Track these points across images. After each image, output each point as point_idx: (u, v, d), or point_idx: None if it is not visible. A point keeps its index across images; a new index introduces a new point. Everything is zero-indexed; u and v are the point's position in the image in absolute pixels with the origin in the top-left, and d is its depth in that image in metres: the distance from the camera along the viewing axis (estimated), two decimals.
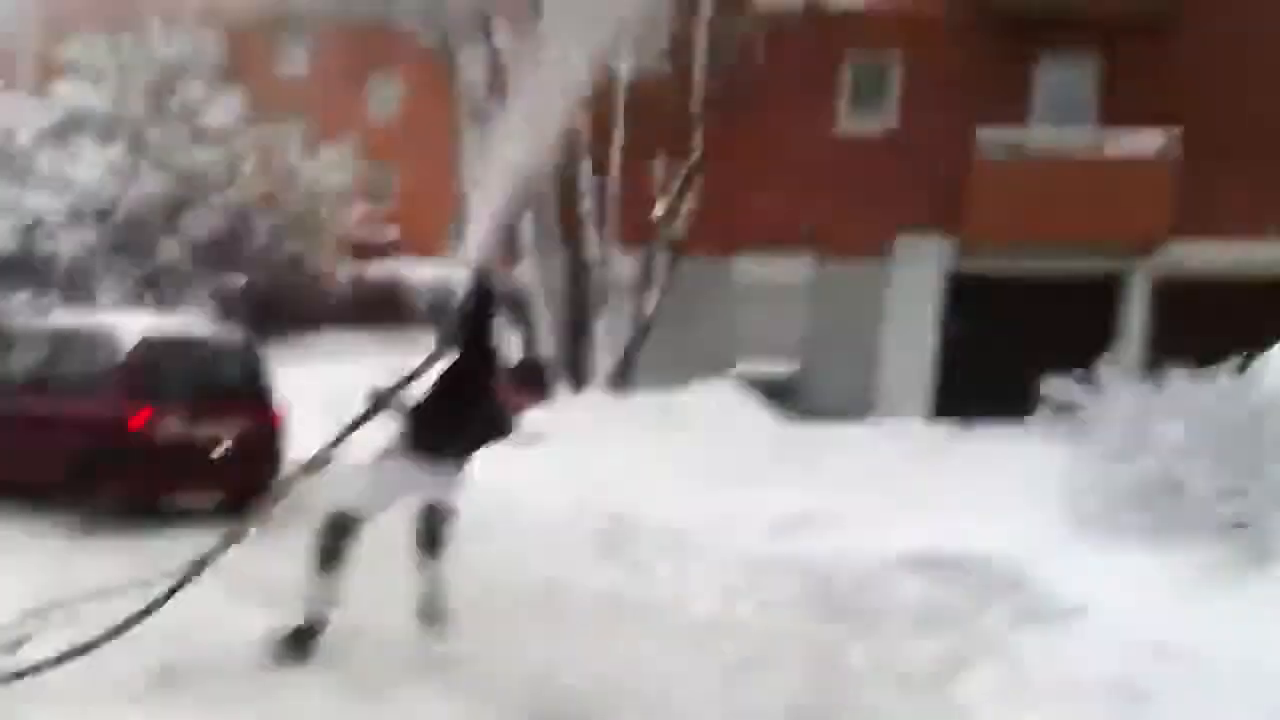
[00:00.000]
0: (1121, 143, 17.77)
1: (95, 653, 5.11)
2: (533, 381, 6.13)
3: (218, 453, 9.02)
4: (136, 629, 5.20)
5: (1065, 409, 9.20)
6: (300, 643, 5.69)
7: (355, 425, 5.73)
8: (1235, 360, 8.47)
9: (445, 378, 5.90)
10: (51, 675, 5.02)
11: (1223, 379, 8.20)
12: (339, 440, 5.69)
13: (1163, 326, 17.48)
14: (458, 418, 5.82)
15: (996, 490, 9.99)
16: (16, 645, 5.46)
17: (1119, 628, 6.35)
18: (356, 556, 5.79)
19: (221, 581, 5.94)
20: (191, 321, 12.64)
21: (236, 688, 5.27)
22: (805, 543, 8.51)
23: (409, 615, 5.98)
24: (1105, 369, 9.17)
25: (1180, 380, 8.45)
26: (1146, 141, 17.54)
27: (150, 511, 9.41)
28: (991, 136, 17.76)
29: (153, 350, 9.71)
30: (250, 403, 10.09)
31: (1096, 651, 6.08)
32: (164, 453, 9.35)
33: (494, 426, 5.92)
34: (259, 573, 6.73)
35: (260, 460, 9.57)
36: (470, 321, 5.81)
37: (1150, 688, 5.57)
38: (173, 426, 9.44)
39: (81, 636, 5.18)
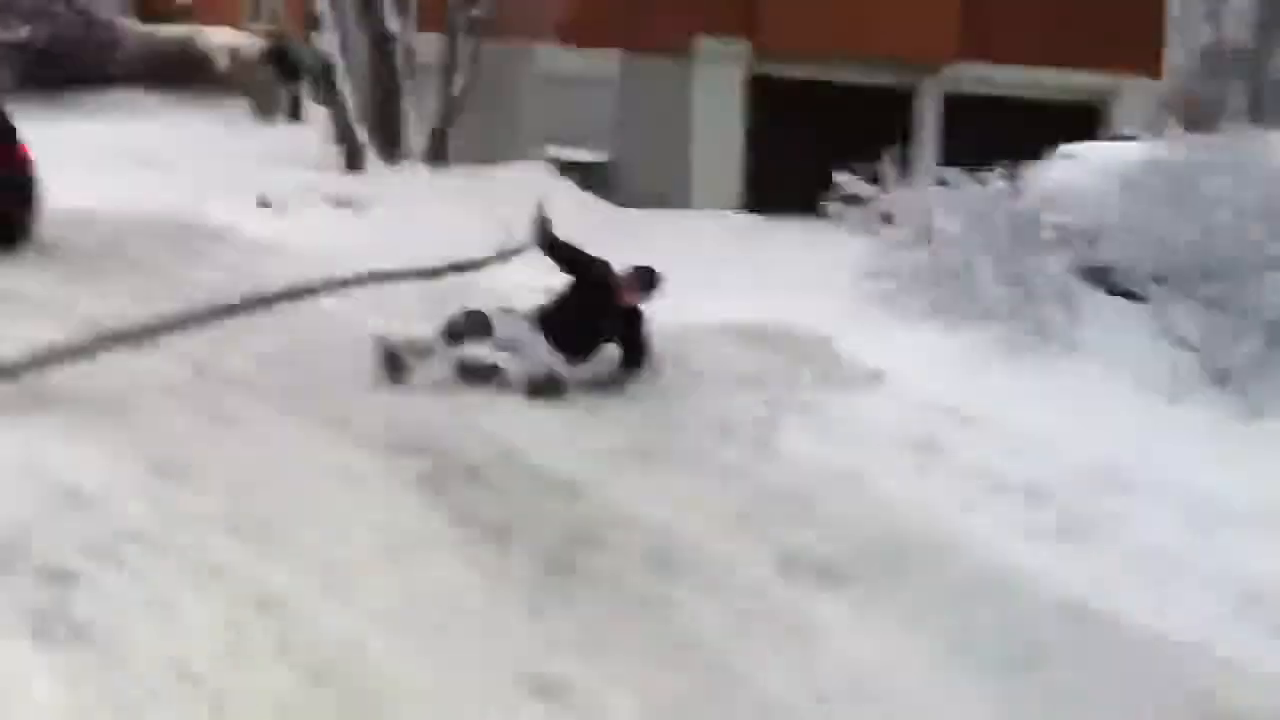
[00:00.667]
0: None
1: None
2: (646, 283, 7.50)
3: None
4: None
5: (855, 201, 10.01)
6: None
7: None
8: (1010, 168, 9.28)
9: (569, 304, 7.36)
10: None
11: (997, 182, 8.98)
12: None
13: (950, 137, 18.63)
14: (588, 338, 7.31)
15: (800, 274, 10.80)
16: None
17: (913, 391, 7.17)
18: None
19: None
20: None
21: None
22: None
23: None
24: (891, 167, 9.93)
25: (961, 181, 9.26)
26: None
27: None
28: None
29: None
30: None
31: (894, 410, 6.88)
32: None
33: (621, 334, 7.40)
34: None
35: (9, 194, 9.49)
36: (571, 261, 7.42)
37: (940, 440, 6.39)
38: None
39: None
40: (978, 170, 9.21)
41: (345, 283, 6.14)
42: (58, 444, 4.89)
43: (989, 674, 4.11)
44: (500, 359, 7.02)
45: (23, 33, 22.44)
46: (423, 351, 6.99)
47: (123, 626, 3.59)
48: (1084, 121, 18.42)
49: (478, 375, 7.00)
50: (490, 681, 3.67)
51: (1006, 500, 5.65)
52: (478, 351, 7.06)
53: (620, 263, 7.69)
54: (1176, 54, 34.66)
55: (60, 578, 3.84)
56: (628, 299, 7.44)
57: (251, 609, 3.85)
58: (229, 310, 6.70)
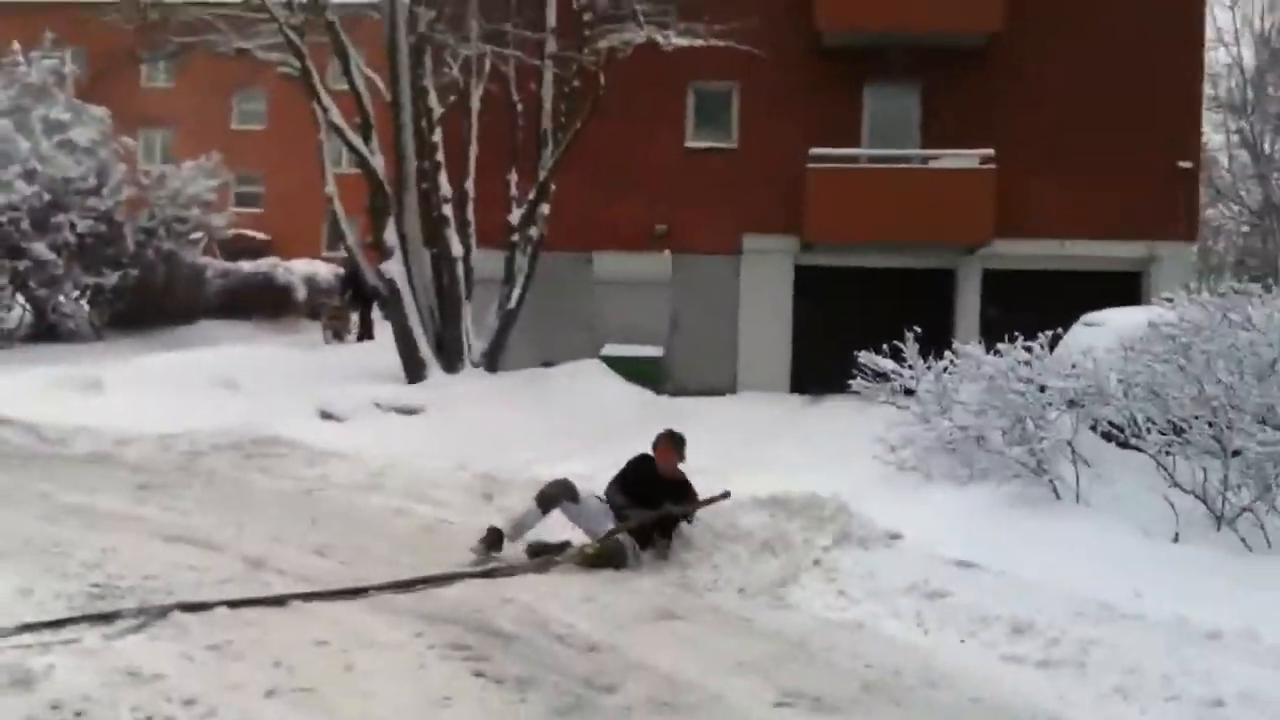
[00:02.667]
0: (943, 160, 19.62)
1: None
2: (670, 442, 8.36)
3: None
4: None
5: (881, 379, 10.57)
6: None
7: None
8: (1045, 336, 9.75)
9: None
10: None
11: (1014, 351, 9.48)
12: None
13: (994, 310, 19.28)
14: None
15: (831, 448, 11.33)
16: None
17: (926, 547, 7.58)
18: None
19: None
20: None
21: None
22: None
23: None
24: (914, 344, 10.49)
25: (977, 352, 9.78)
26: (964, 160, 19.42)
27: None
28: (822, 153, 19.33)
29: None
30: None
31: (905, 565, 7.29)
32: None
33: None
34: None
35: None
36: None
37: (948, 587, 6.78)
38: None
39: None
40: (1020, 340, 9.67)
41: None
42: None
43: None
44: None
45: (113, 278, 24.25)
46: (519, 528, 7.95)
47: None
48: (1126, 288, 19.00)
49: (548, 550, 7.90)
50: None
51: (995, 633, 6.02)
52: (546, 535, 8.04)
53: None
54: (1224, 216, 35.30)
55: None
56: (663, 468, 8.25)
57: None
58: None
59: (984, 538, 7.71)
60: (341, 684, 5.17)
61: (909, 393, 10.54)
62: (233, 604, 6.27)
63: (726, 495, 8.23)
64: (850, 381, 11.27)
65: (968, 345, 10.19)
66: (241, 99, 39.39)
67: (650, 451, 8.39)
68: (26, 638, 5.50)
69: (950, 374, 9.98)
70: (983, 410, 9.22)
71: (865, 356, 10.80)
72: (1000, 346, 9.65)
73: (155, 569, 7.09)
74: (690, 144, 20.88)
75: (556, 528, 8.30)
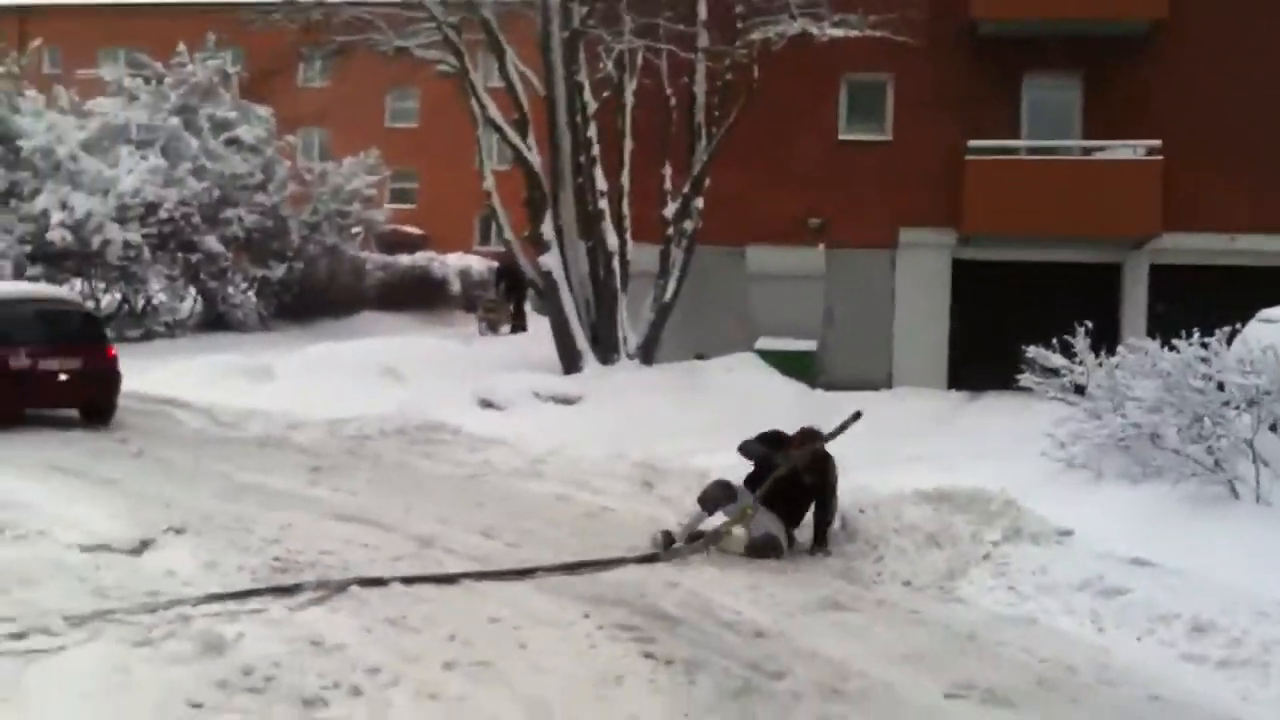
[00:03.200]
0: (1107, 151, 19.05)
1: None
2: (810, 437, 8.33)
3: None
4: None
5: (1051, 374, 10.32)
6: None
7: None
8: (1222, 332, 9.41)
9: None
10: None
11: (1189, 347, 9.16)
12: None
13: (1162, 305, 18.67)
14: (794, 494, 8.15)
15: (996, 444, 11.12)
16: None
17: (1099, 544, 7.38)
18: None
19: None
20: (38, 288, 15.54)
21: None
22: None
23: None
24: (1085, 339, 10.20)
25: (1153, 348, 9.48)
26: (1129, 151, 18.83)
27: (16, 420, 12.22)
28: (982, 144, 18.99)
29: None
30: (85, 345, 13.23)
31: (1078, 562, 7.11)
32: (18, 378, 12.43)
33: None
34: None
35: (96, 383, 13.11)
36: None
37: (1124, 584, 6.59)
38: (21, 361, 12.49)
39: None
40: (1189, 337, 9.37)
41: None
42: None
43: None
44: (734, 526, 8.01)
45: (279, 271, 25.18)
46: (688, 530, 8.01)
47: None
48: None
49: (711, 540, 7.92)
50: None
51: (1174, 631, 5.85)
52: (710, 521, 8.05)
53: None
54: None
55: (309, 702, 4.58)
56: (798, 450, 8.21)
57: None
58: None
59: (1159, 536, 7.47)
60: (516, 659, 5.27)
61: (1078, 389, 10.27)
62: (407, 580, 6.45)
63: (858, 416, 8.36)
64: (1018, 376, 11.04)
65: (1140, 341, 9.88)
66: (395, 97, 40.24)
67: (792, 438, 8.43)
68: (215, 607, 5.73)
69: (1123, 370, 9.68)
70: (1158, 407, 8.92)
71: (1035, 351, 10.54)
72: (1177, 342, 9.33)
73: (331, 546, 7.34)
74: (844, 136, 20.62)
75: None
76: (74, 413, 13.08)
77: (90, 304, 16.32)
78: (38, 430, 11.99)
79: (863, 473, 9.70)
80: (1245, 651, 5.53)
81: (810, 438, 8.33)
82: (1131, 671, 5.55)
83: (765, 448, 8.35)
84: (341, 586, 6.20)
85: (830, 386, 17.27)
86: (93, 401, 13.22)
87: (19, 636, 5.05)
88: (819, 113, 20.31)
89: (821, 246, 20.04)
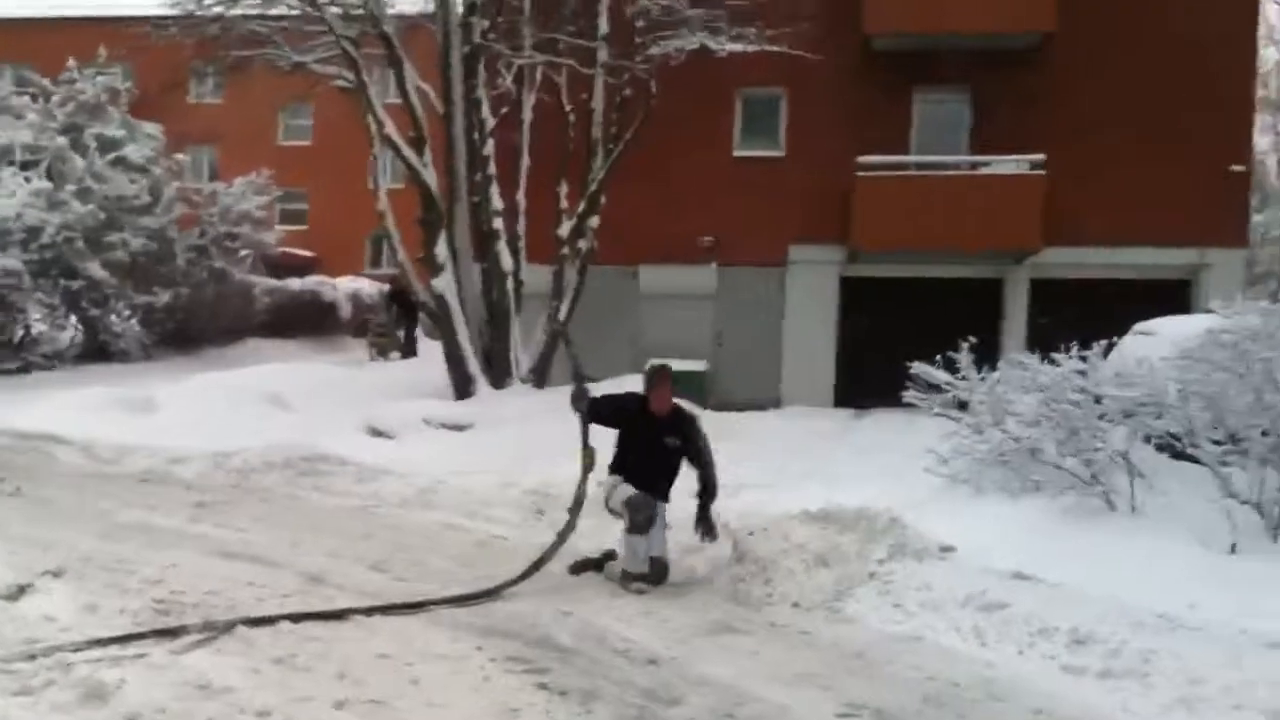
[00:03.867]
0: (993, 166, 19.49)
1: None
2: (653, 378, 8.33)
3: None
4: None
5: (934, 390, 10.52)
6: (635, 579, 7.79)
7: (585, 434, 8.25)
8: (1099, 345, 9.68)
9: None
10: None
11: (1067, 361, 9.42)
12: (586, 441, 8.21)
13: (1043, 320, 19.15)
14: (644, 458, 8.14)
15: (882, 462, 11.32)
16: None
17: (981, 558, 7.54)
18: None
19: None
20: None
21: None
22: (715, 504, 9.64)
23: None
24: (968, 355, 10.42)
25: (1033, 362, 9.73)
26: (1014, 166, 19.30)
27: None
28: (871, 160, 19.28)
29: None
30: None
31: (960, 577, 7.24)
32: None
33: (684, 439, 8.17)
34: None
35: None
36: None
37: (1005, 599, 6.75)
38: None
39: None
40: (1069, 350, 9.60)
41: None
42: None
43: None
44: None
45: (165, 297, 24.53)
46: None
47: None
48: (1175, 297, 18.84)
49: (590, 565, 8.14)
50: None
51: (1055, 644, 6.01)
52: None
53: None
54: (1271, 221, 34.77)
55: None
56: (658, 408, 8.22)
57: None
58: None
59: (1039, 550, 7.66)
60: (409, 696, 5.23)
61: (961, 405, 10.49)
62: (295, 618, 6.36)
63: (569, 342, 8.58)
64: (902, 393, 11.21)
65: (1020, 355, 10.13)
66: (289, 114, 39.72)
67: (643, 392, 8.40)
68: (96, 653, 5.59)
69: (1004, 385, 9.91)
70: (1037, 421, 9.17)
71: (918, 367, 10.73)
72: (1056, 356, 9.59)
73: (216, 585, 7.20)
74: (738, 153, 20.81)
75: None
76: None
77: None
78: None
79: (753, 493, 9.83)
80: (1124, 662, 5.70)
81: (660, 379, 8.26)
82: (1015, 685, 5.69)
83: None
84: (228, 627, 6.09)
85: (721, 407, 17.43)
86: None
87: None
88: (716, 129, 20.51)
89: (714, 265, 20.22)
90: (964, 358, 10.61)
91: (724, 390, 19.05)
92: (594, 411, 8.25)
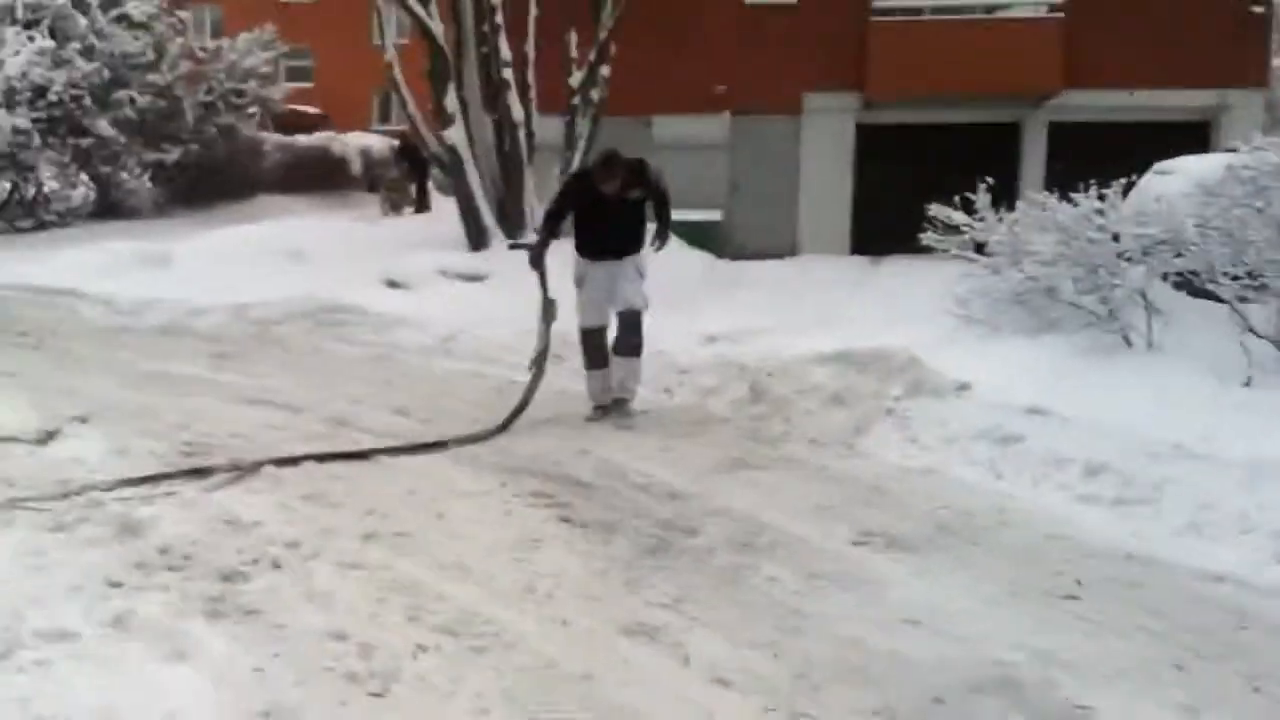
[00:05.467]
0: (1010, 9, 19.14)
1: None
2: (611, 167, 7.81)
3: None
4: None
5: (953, 231, 10.47)
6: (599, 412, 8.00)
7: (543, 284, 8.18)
8: (1116, 185, 9.58)
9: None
10: None
11: (1086, 200, 9.35)
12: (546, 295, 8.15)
13: (1059, 164, 18.95)
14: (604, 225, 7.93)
15: (899, 305, 11.34)
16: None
17: (997, 395, 7.59)
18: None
19: None
20: None
21: None
22: (732, 348, 9.67)
23: None
24: (986, 197, 10.34)
25: (1051, 202, 9.66)
26: (1031, 9, 18.92)
27: None
28: (887, 5, 18.94)
29: None
30: None
31: (977, 413, 7.33)
32: None
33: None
34: None
35: None
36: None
37: (1020, 432, 6.84)
38: None
39: None
40: (1087, 191, 9.50)
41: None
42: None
43: (1032, 605, 4.61)
44: None
45: (175, 154, 24.47)
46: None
47: (284, 607, 4.32)
48: (1194, 139, 18.58)
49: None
50: (593, 629, 4.28)
51: (1069, 475, 6.11)
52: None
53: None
54: None
55: (229, 577, 4.62)
56: (606, 190, 7.81)
57: (388, 590, 4.55)
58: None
59: (1055, 386, 7.70)
60: (435, 529, 5.35)
61: (979, 247, 10.43)
62: (320, 458, 6.46)
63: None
64: (919, 237, 11.14)
65: (1038, 195, 10.05)
66: None
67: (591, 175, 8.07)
68: (127, 492, 5.71)
69: (1022, 225, 9.85)
70: (1055, 260, 9.13)
71: (936, 208, 10.64)
72: (1075, 196, 9.52)
73: (241, 429, 7.32)
74: (751, 0, 20.44)
75: None
76: None
77: None
78: None
79: (769, 337, 9.86)
80: (1137, 491, 5.80)
81: (608, 170, 7.79)
82: (1029, 514, 5.81)
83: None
84: (255, 467, 6.20)
85: (737, 256, 17.40)
86: None
87: None
88: None
89: (727, 114, 20.00)
90: (981, 199, 10.54)
91: (740, 239, 18.99)
92: (549, 222, 8.23)
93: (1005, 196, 10.74)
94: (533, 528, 5.44)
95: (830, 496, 6.06)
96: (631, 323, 7.97)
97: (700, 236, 17.13)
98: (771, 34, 19.77)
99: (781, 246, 19.20)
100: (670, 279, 13.50)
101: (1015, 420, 7.06)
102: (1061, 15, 18.61)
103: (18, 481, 5.86)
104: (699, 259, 15.79)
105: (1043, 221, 9.61)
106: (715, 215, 18.56)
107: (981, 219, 10.34)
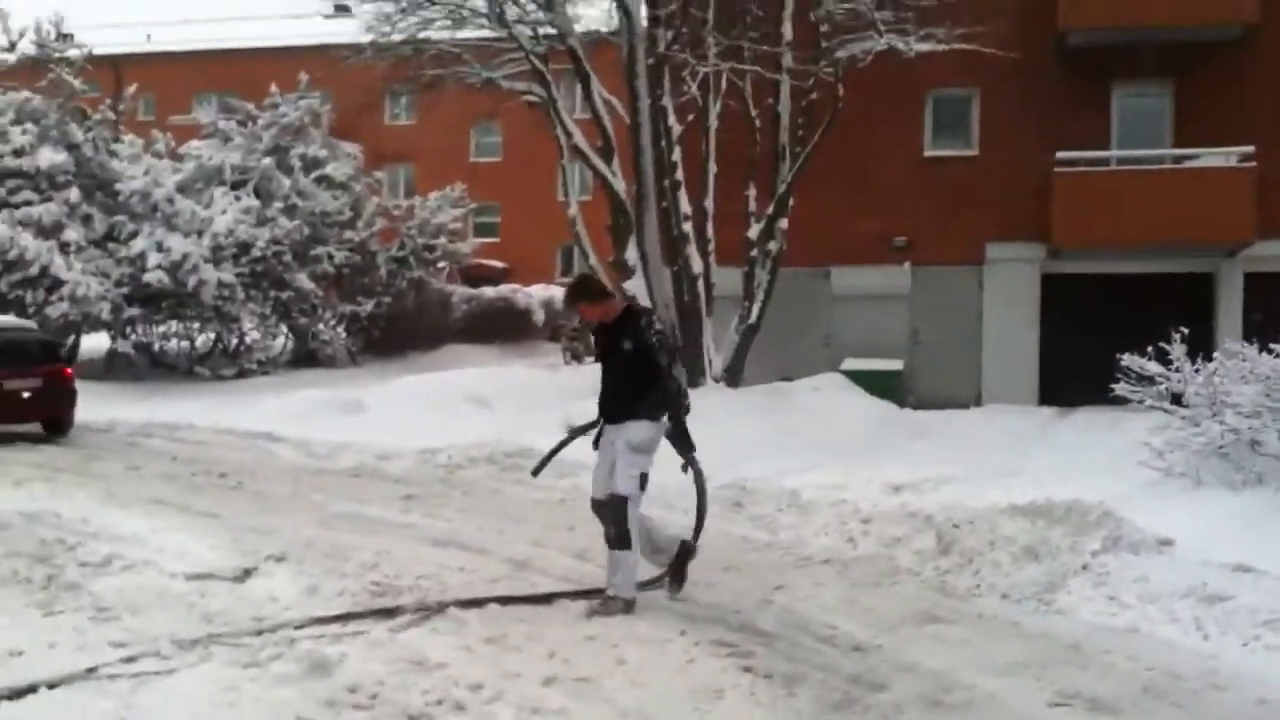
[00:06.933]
0: (1199, 159, 18.74)
1: None
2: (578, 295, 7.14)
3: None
4: None
5: (1146, 382, 10.13)
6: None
7: (561, 446, 7.63)
8: None
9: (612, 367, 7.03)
10: None
11: None
12: (556, 450, 7.63)
13: (1254, 314, 18.28)
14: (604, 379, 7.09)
15: (1091, 457, 10.97)
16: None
17: (1200, 552, 7.25)
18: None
19: None
20: (6, 320, 17.09)
21: None
22: (917, 498, 9.43)
23: None
24: (1181, 347, 10.00)
25: (1251, 352, 9.31)
26: (1221, 159, 18.49)
27: None
28: (1070, 156, 18.77)
29: None
30: (45, 367, 15.21)
31: (1180, 569, 7.00)
32: None
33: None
34: None
35: (55, 400, 15.14)
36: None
37: (1227, 590, 6.47)
38: None
39: None
40: None
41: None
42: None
43: None
44: None
45: (368, 306, 25.63)
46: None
47: None
48: None
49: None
50: None
51: None
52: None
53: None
54: None
55: (415, 718, 4.65)
56: (591, 319, 7.19)
57: None
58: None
59: (1262, 542, 7.32)
60: (615, 675, 5.30)
61: (1175, 399, 10.07)
62: (504, 600, 6.51)
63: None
64: (1112, 388, 10.80)
65: (1237, 345, 9.70)
66: (479, 132, 40.87)
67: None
68: (318, 630, 5.83)
69: (1221, 375, 9.49)
70: (1258, 412, 8.77)
71: (1130, 359, 10.32)
72: (1275, 346, 9.17)
73: (427, 570, 7.44)
74: (929, 153, 20.53)
75: None
76: (184, 450, 13.56)
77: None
78: (138, 467, 12.28)
79: (955, 487, 9.64)
80: None
81: (570, 298, 7.24)
82: (1238, 677, 5.46)
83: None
84: (441, 608, 6.29)
85: (920, 405, 17.16)
86: (53, 416, 15.31)
87: (130, 660, 5.18)
88: (904, 130, 20.23)
89: (907, 265, 19.96)
90: (1176, 349, 10.21)
91: (922, 389, 18.75)
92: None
93: (1200, 347, 10.41)
94: (714, 677, 5.34)
95: (1025, 654, 5.80)
96: (610, 508, 6.81)
97: (881, 386, 16.99)
98: (951, 184, 19.76)
99: (965, 396, 18.86)
100: (849, 427, 13.47)
101: (1222, 578, 6.70)
102: (1253, 164, 18.13)
103: (216, 617, 6.06)
104: (879, 408, 15.62)
105: (1243, 372, 9.27)
106: (896, 365, 18.40)
107: (1178, 369, 10.01)
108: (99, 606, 6.23)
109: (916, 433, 13.86)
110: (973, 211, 19.51)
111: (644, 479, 6.81)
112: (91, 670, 4.97)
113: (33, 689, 4.64)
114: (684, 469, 7.20)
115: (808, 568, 7.91)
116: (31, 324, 17.58)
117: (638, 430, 6.80)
